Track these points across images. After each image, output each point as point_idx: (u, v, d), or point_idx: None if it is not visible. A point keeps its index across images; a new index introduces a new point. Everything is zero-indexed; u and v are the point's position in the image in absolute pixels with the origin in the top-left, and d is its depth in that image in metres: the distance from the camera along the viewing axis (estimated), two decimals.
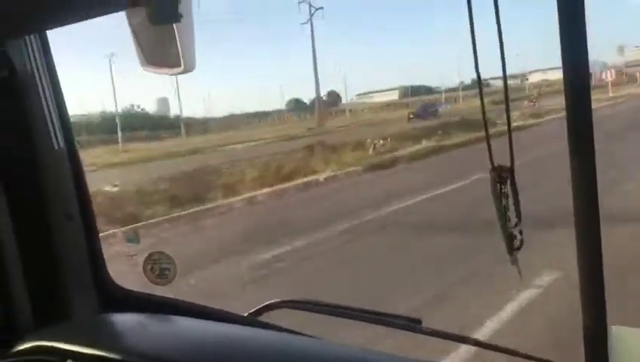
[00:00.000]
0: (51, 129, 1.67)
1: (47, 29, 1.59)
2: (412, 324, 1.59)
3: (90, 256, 1.78)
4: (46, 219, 1.69)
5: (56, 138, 1.69)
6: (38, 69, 1.64)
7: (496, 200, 1.13)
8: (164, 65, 1.50)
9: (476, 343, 1.58)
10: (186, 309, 1.77)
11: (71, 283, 1.73)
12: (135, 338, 1.52)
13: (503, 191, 1.13)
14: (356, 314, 1.69)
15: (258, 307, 1.84)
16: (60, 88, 1.71)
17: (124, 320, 1.66)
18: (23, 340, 1.54)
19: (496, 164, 1.13)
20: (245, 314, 1.82)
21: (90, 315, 1.72)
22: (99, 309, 1.78)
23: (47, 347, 1.48)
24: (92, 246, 1.79)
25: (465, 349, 3.82)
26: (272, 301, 1.83)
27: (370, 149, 18.34)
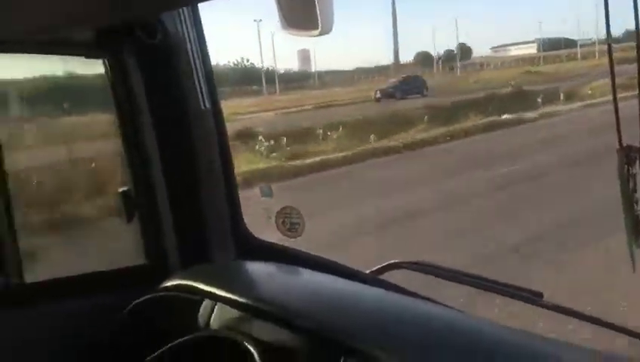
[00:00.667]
0: (199, 90, 1.84)
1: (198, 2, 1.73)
2: (533, 297, 1.59)
3: (229, 206, 1.95)
4: (192, 171, 1.87)
5: (203, 99, 1.85)
6: (188, 36, 1.80)
7: (622, 181, 1.10)
8: (302, 27, 1.57)
9: (597, 321, 1.55)
10: (312, 262, 1.89)
11: (212, 230, 1.91)
12: (265, 285, 1.67)
13: (630, 172, 1.10)
14: (477, 281, 1.71)
15: (380, 266, 1.92)
16: (208, 54, 1.86)
17: (257, 268, 1.81)
18: (169, 278, 1.75)
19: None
20: (367, 271, 1.91)
21: (227, 261, 1.90)
22: (235, 256, 1.96)
23: (188, 286, 1.66)
24: (231, 197, 1.95)
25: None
26: (394, 261, 1.91)
27: None
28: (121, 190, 1.86)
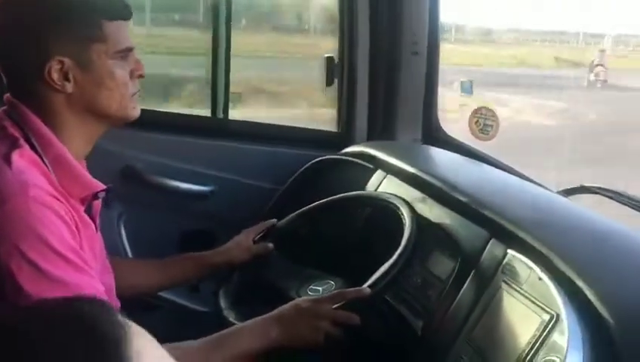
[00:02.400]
0: None
1: None
2: None
3: (426, 94, 1.93)
4: (396, 51, 1.87)
5: None
6: None
7: None
8: None
9: None
10: (497, 166, 1.82)
11: (404, 112, 1.92)
12: (437, 167, 1.66)
13: None
14: None
15: (571, 187, 1.79)
16: None
17: (435, 153, 1.80)
18: (350, 146, 1.83)
19: None
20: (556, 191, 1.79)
21: (412, 143, 1.91)
22: (422, 142, 1.96)
23: (367, 153, 1.72)
24: (430, 85, 1.93)
25: None
26: (585, 185, 1.76)
27: None
28: (326, 55, 1.94)
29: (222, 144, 1.90)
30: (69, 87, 1.02)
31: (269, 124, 2.03)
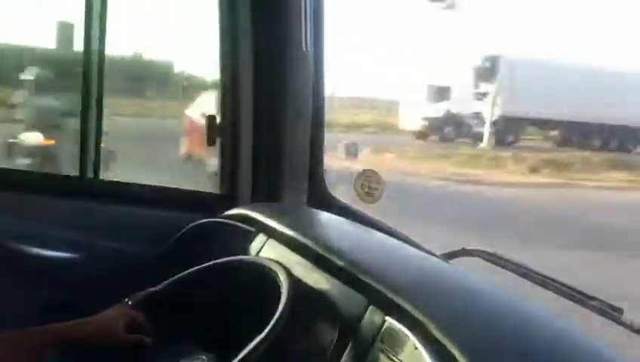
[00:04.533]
0: (302, 30, 1.80)
1: None
2: (612, 312, 1.40)
3: (311, 156, 1.90)
4: (281, 112, 1.84)
5: (306, 41, 1.81)
6: None
7: None
8: None
9: None
10: (382, 230, 1.80)
11: (288, 174, 1.88)
12: (318, 230, 1.61)
13: None
14: (555, 284, 1.54)
15: (453, 250, 1.80)
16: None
17: (322, 216, 1.76)
18: (233, 209, 1.75)
19: None
20: (438, 254, 1.79)
21: (296, 205, 1.86)
22: (303, 203, 1.91)
23: (248, 216, 1.64)
24: (315, 147, 1.91)
25: None
26: (466, 247, 1.77)
27: None
28: (207, 114, 1.88)
29: (91, 206, 1.76)
30: None
31: (146, 185, 1.92)
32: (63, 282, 1.71)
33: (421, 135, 18.81)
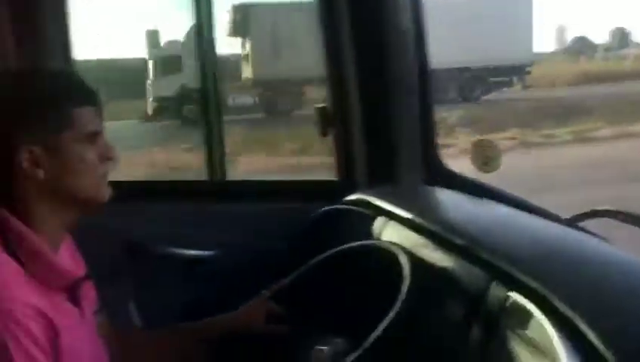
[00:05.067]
0: (400, 10, 1.80)
1: None
2: None
3: (423, 132, 1.90)
4: (387, 92, 1.86)
5: (404, 19, 1.81)
6: None
7: None
8: None
9: None
10: (505, 199, 1.77)
11: (402, 153, 1.90)
12: (439, 210, 1.62)
13: None
14: None
15: (581, 212, 1.73)
16: None
17: (439, 194, 1.76)
18: (352, 194, 1.80)
19: None
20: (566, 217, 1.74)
21: (413, 185, 1.87)
22: (424, 182, 1.92)
23: (367, 201, 1.69)
24: (426, 122, 1.91)
25: None
26: (597, 208, 1.70)
27: None
28: (318, 106, 1.94)
29: (222, 206, 1.90)
30: (40, 173, 1.02)
31: (267, 181, 2.04)
32: (205, 278, 1.87)
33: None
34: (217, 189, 1.99)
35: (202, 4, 2.02)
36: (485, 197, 1.72)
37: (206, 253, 1.85)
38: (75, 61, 1.89)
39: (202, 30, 1.95)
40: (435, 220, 1.43)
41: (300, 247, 1.76)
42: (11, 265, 0.99)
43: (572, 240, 1.36)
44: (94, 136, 1.07)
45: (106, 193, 1.10)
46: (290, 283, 1.50)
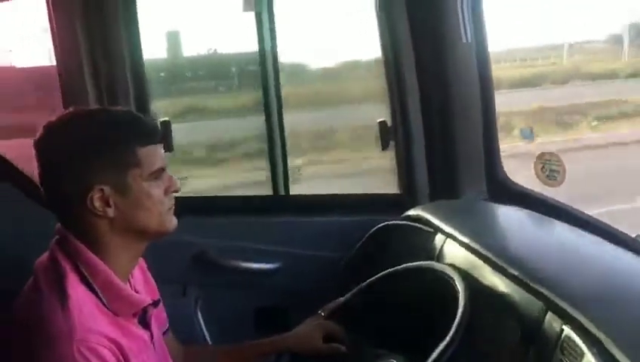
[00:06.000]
0: (461, 23, 1.79)
1: None
2: None
3: (486, 146, 1.89)
4: (448, 107, 1.85)
5: (465, 32, 1.80)
6: None
7: None
8: None
9: None
10: (572, 217, 1.73)
11: (464, 168, 1.89)
12: (502, 230, 1.60)
13: None
14: None
15: None
16: None
17: (500, 212, 1.74)
18: (412, 209, 1.81)
19: None
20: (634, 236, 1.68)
21: (474, 201, 1.86)
22: (487, 197, 1.90)
23: (425, 218, 1.70)
24: (488, 137, 1.89)
25: None
26: None
27: None
28: (379, 120, 1.96)
29: (285, 220, 1.95)
30: (111, 211, 1.09)
31: (330, 195, 2.08)
32: (271, 288, 1.94)
33: None
34: (281, 203, 2.05)
35: None
36: (551, 213, 1.69)
37: (270, 265, 1.91)
38: (143, 62, 1.98)
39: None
40: (494, 243, 1.42)
41: (361, 260, 1.79)
42: (87, 296, 1.07)
43: (638, 270, 1.30)
44: (159, 172, 1.14)
45: (173, 223, 1.17)
46: (346, 302, 1.53)
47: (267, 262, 1.92)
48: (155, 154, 1.13)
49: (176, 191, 1.17)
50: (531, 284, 1.18)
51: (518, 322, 1.19)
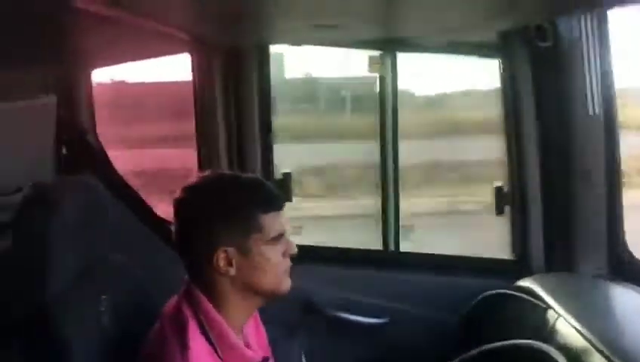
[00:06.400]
0: (589, 96, 1.75)
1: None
2: None
3: (608, 219, 1.82)
4: (568, 177, 1.81)
5: (593, 104, 1.76)
6: (587, 39, 1.73)
7: None
8: None
9: None
10: None
11: (583, 239, 1.83)
12: (614, 318, 1.53)
13: None
14: None
15: None
16: (609, 59, 1.75)
17: (619, 294, 1.67)
18: (524, 279, 1.78)
19: None
20: None
21: (592, 278, 1.79)
22: (607, 272, 1.83)
23: (537, 290, 1.67)
24: (612, 208, 1.82)
25: None
26: None
27: None
28: (496, 185, 1.95)
29: (394, 276, 1.99)
30: (232, 271, 1.19)
31: (440, 255, 2.08)
32: (376, 343, 1.97)
33: None
34: (391, 259, 2.08)
35: None
36: None
37: (375, 320, 1.95)
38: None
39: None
40: (608, 330, 1.37)
41: (467, 327, 1.78)
42: (205, 347, 1.16)
43: None
44: (279, 237, 1.22)
45: (288, 285, 1.25)
46: None
47: (373, 316, 1.96)
48: (277, 219, 1.22)
49: (293, 255, 1.25)
50: None
51: None
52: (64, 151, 2.01)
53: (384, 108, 2.11)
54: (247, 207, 1.20)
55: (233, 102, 2.07)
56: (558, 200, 1.86)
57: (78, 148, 2.03)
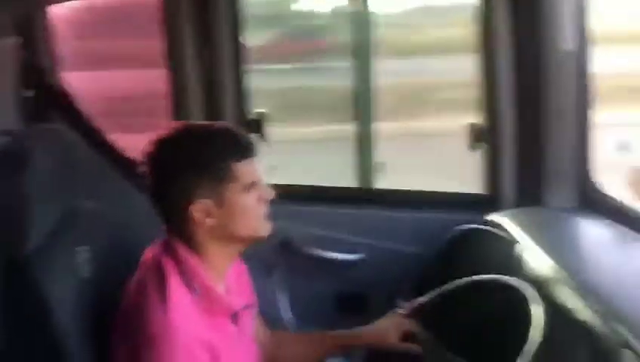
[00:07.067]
0: (564, 31, 1.75)
1: None
2: None
3: (577, 155, 1.85)
4: (540, 113, 1.82)
5: (567, 39, 1.76)
6: None
7: None
8: None
9: None
10: None
11: (552, 175, 1.86)
12: (584, 256, 1.57)
13: None
14: None
15: None
16: None
17: (590, 228, 1.72)
18: (495, 213, 1.83)
19: None
20: None
21: (562, 211, 1.84)
22: (572, 205, 1.88)
23: (508, 225, 1.71)
24: (582, 143, 1.84)
25: None
26: None
27: None
28: (470, 122, 1.96)
29: (369, 212, 2.02)
30: (210, 221, 1.20)
31: (414, 191, 2.11)
32: (352, 278, 2.02)
33: None
34: (367, 196, 2.11)
35: None
36: None
37: (351, 256, 2.00)
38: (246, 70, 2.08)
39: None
40: (577, 263, 1.41)
41: (439, 262, 1.83)
42: (186, 297, 1.18)
43: None
44: (254, 184, 1.22)
45: (267, 229, 1.27)
46: (425, 304, 1.57)
47: (349, 252, 2.00)
48: (250, 167, 1.22)
49: (270, 199, 1.26)
50: (611, 319, 1.18)
51: (590, 354, 1.19)
52: (29, 95, 1.94)
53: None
54: (219, 157, 1.20)
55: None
56: (531, 136, 1.88)
57: (45, 94, 1.98)
